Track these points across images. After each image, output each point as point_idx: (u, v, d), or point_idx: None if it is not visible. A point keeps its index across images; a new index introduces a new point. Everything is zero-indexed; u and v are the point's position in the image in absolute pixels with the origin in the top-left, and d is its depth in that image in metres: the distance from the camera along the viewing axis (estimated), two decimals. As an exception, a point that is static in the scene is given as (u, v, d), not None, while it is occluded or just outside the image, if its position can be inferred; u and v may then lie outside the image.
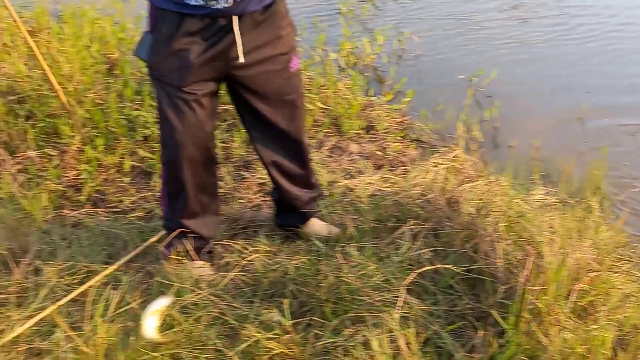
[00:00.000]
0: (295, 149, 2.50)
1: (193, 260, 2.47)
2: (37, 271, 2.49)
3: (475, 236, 2.39)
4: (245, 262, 2.50)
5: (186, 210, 2.43)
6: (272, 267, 2.42)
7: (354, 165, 3.51)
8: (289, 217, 2.77)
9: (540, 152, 3.67)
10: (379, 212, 2.81)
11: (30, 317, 2.17)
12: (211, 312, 2.20)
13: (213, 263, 2.58)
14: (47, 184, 3.08)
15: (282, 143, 2.46)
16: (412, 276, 2.18)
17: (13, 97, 3.67)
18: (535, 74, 4.69)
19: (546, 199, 2.83)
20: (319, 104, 3.93)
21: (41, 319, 2.16)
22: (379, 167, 3.56)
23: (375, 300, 2.12)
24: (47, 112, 3.58)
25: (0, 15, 4.84)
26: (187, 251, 2.46)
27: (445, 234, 2.51)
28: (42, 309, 2.20)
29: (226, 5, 2.04)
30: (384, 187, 3.16)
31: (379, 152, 3.68)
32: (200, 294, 2.26)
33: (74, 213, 2.97)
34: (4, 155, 3.26)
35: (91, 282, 2.31)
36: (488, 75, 4.40)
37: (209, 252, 2.58)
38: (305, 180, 2.64)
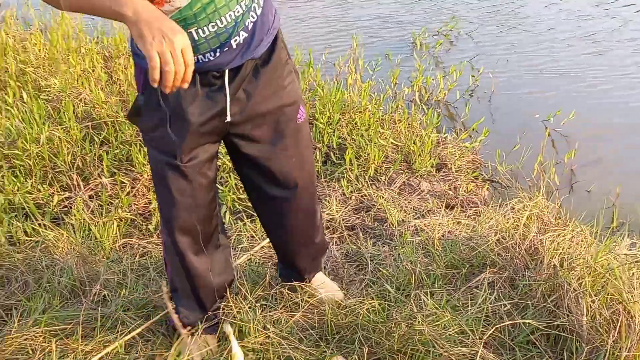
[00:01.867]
0: (301, 208, 2.28)
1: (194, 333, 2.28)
2: (104, 301, 2.48)
3: (557, 289, 2.26)
4: (313, 301, 2.44)
5: (187, 282, 2.23)
6: (342, 311, 2.34)
7: (425, 204, 3.42)
8: (286, 269, 2.55)
9: (620, 197, 3.51)
10: (451, 257, 2.70)
11: (94, 351, 2.14)
12: (277, 353, 2.14)
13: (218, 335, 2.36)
14: (117, 212, 3.09)
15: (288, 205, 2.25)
16: (490, 331, 2.06)
17: (89, 123, 3.72)
18: (615, 115, 4.52)
19: (632, 250, 2.67)
20: (391, 140, 3.86)
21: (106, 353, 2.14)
22: (450, 207, 3.46)
23: (451, 354, 2.01)
24: (122, 139, 3.62)
25: (81, 40, 4.97)
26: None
27: (524, 285, 2.39)
28: (107, 343, 2.18)
29: (212, 58, 1.87)
30: (456, 230, 3.06)
31: (450, 192, 3.58)
32: (267, 334, 2.20)
33: (143, 242, 2.97)
34: (77, 182, 3.29)
35: (156, 318, 2.28)
36: (566, 115, 4.25)
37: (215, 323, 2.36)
38: (311, 239, 2.42)
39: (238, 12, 1.84)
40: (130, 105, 2.03)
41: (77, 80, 4.19)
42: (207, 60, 1.87)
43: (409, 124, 4.07)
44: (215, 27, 1.82)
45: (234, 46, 1.87)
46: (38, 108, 3.65)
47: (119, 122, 3.71)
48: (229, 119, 1.96)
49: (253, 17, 1.90)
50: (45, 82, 4.15)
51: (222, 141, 2.09)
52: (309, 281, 2.52)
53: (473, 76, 4.91)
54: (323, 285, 2.55)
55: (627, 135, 4.26)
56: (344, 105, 4.16)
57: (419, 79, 4.76)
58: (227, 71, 1.90)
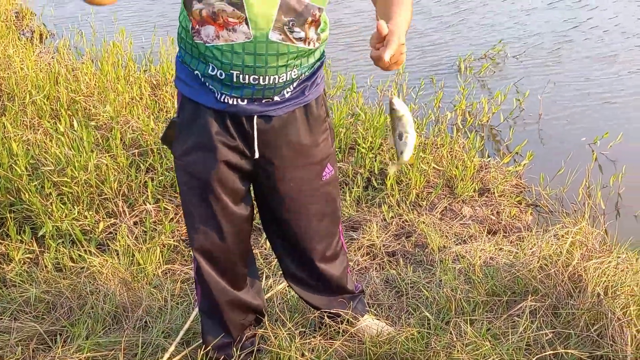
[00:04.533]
0: (323, 269, 2.30)
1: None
2: (145, 327, 2.52)
3: (601, 319, 2.21)
4: (353, 330, 2.43)
5: (213, 306, 2.26)
6: (380, 339, 2.33)
7: (467, 229, 3.39)
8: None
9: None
10: (493, 284, 2.67)
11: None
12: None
13: None
14: (161, 238, 3.15)
15: (308, 260, 2.27)
16: (530, 361, 2.03)
17: (136, 150, 3.81)
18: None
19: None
20: (433, 165, 3.84)
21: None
22: (493, 233, 3.42)
23: (489, 385, 1.99)
24: (167, 166, 3.69)
25: (130, 68, 5.11)
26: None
27: (567, 313, 2.35)
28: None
29: (242, 104, 1.92)
30: (497, 256, 3.02)
31: (492, 217, 3.54)
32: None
33: (185, 268, 3.01)
34: (123, 208, 3.36)
35: (194, 346, 2.30)
36: (613, 139, 4.17)
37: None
38: (338, 289, 2.41)
39: (283, 79, 1.91)
40: (165, 128, 2.08)
41: (125, 108, 4.30)
42: (237, 102, 1.93)
43: (451, 148, 4.05)
44: (256, 81, 1.88)
45: (271, 100, 1.94)
46: (87, 136, 3.76)
47: (164, 150, 3.79)
48: (256, 155, 2.00)
49: (299, 81, 1.97)
50: (95, 110, 4.27)
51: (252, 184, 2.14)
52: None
53: (518, 99, 4.86)
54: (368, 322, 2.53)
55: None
56: (386, 130, 4.16)
57: (462, 103, 4.73)
58: (255, 117, 1.95)
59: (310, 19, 1.86)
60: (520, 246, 3.04)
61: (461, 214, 3.56)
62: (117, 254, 3.02)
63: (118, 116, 4.13)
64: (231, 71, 1.87)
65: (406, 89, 5.00)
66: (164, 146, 2.21)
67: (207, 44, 1.85)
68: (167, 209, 3.40)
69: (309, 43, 1.90)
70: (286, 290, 2.79)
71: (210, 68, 1.90)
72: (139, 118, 4.11)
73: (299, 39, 1.87)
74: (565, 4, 7.14)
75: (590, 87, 5.25)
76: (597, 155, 4.13)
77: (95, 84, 4.72)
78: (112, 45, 5.41)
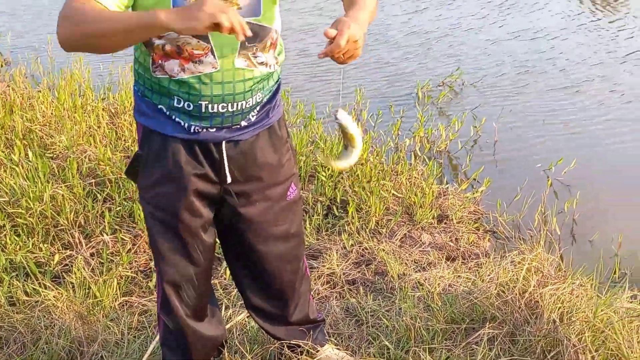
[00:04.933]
0: (285, 288, 2.28)
1: None
2: (102, 362, 2.47)
3: (557, 345, 2.25)
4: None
5: (177, 339, 2.23)
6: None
7: (426, 256, 3.41)
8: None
9: (622, 247, 3.49)
10: (451, 311, 2.69)
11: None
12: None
13: None
14: (118, 270, 3.10)
15: (270, 282, 2.25)
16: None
17: (93, 180, 3.76)
18: (617, 163, 4.53)
19: (632, 302, 2.65)
20: (392, 192, 3.87)
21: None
22: (452, 259, 3.45)
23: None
24: (125, 196, 3.65)
25: (88, 97, 5.06)
26: None
27: (525, 340, 2.37)
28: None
29: (212, 131, 1.92)
30: (456, 283, 3.05)
31: (451, 243, 3.57)
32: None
33: (142, 300, 2.97)
34: (79, 239, 3.31)
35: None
36: (567, 165, 4.26)
37: None
38: (300, 319, 2.39)
39: (250, 103, 1.93)
40: (129, 162, 2.06)
41: (82, 138, 4.25)
42: (205, 131, 1.92)
43: (410, 175, 4.09)
44: (225, 109, 1.89)
45: (239, 125, 1.95)
46: (43, 166, 3.70)
47: (122, 179, 3.75)
48: (229, 180, 2.00)
49: (263, 104, 1.98)
50: (52, 140, 4.22)
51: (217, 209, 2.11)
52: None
53: (475, 127, 4.94)
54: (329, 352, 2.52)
55: (628, 183, 4.27)
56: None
57: (420, 130, 4.79)
58: (224, 142, 1.95)
59: (269, 42, 1.90)
60: (478, 273, 3.07)
61: (420, 240, 3.59)
62: (73, 287, 2.96)
63: (74, 145, 4.08)
64: (200, 102, 1.87)
65: (366, 117, 5.04)
66: (127, 178, 2.18)
67: (172, 78, 1.85)
68: (125, 240, 3.35)
69: (269, 66, 1.93)
70: (245, 321, 2.76)
71: (176, 101, 1.89)
72: (96, 147, 4.07)
73: (261, 63, 1.90)
74: (528, 35, 7.31)
75: (545, 115, 5.36)
76: (552, 181, 4.21)
77: (52, 113, 4.66)
78: (69, 74, 5.36)
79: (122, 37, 1.66)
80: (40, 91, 5.15)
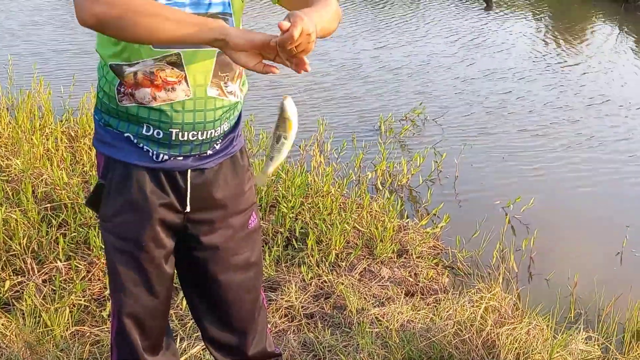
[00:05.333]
0: (245, 319, 2.21)
1: None
2: (50, 395, 2.39)
3: (512, 386, 2.24)
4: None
5: None
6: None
7: (385, 291, 3.40)
8: None
9: (578, 287, 3.53)
10: (409, 349, 2.68)
11: None
12: None
13: None
14: (70, 298, 3.02)
15: (229, 313, 2.18)
16: None
17: (48, 205, 3.68)
18: (575, 204, 4.62)
19: (587, 344, 2.68)
20: (353, 225, 3.87)
21: None
22: (411, 294, 3.46)
23: None
24: (81, 222, 3.57)
25: (47, 119, 4.97)
26: None
27: (480, 380, 2.37)
28: None
29: (180, 159, 1.90)
30: (414, 319, 3.04)
31: (410, 278, 3.58)
32: None
33: (95, 330, 2.89)
34: (32, 265, 3.22)
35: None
36: (526, 203, 4.32)
37: None
38: (257, 352, 2.29)
39: (218, 132, 1.91)
40: (90, 191, 2.01)
41: (39, 161, 4.16)
42: (173, 160, 1.90)
43: (371, 209, 4.10)
44: (195, 137, 1.87)
45: (205, 154, 1.93)
46: (-4, 189, 3.61)
47: (79, 204, 3.68)
48: (188, 209, 1.97)
49: (229, 132, 1.97)
50: (7, 162, 4.12)
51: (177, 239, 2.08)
52: None
53: (436, 162, 4.99)
54: None
55: (586, 224, 4.35)
56: (307, 188, 4.18)
57: (382, 164, 4.82)
58: (189, 171, 1.93)
59: (237, 71, 1.90)
60: (437, 309, 3.07)
61: (380, 275, 3.58)
62: (23, 315, 2.87)
63: (30, 168, 3.99)
64: (170, 129, 1.85)
65: (329, 148, 5.05)
66: (88, 208, 2.13)
67: (142, 106, 1.82)
68: (79, 267, 3.27)
69: (237, 96, 1.94)
70: (201, 354, 2.71)
71: (145, 128, 1.86)
72: (53, 171, 3.98)
73: (230, 93, 1.90)
74: (495, 75, 7.45)
75: (507, 153, 5.45)
76: (511, 219, 4.27)
77: (8, 134, 4.56)
78: (28, 95, 5.27)
79: (171, 38, 1.66)
80: (-3, 111, 5.05)
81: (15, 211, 3.49)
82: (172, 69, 1.79)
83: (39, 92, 5.46)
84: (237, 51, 1.65)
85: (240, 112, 2.06)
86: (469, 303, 2.88)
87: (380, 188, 4.59)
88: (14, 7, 9.63)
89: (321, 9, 1.82)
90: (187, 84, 1.81)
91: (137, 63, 1.78)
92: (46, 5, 10.01)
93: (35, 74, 5.84)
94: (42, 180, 3.90)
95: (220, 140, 1.96)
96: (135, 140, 1.89)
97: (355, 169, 4.80)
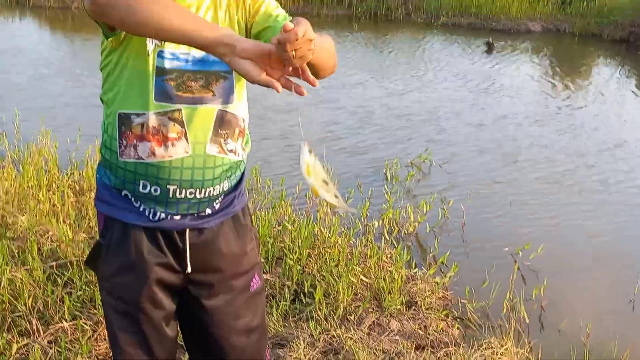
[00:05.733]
0: None
1: None
2: None
3: None
4: None
5: None
6: None
7: (395, 345, 3.35)
8: None
9: (591, 337, 3.47)
10: (421, 408, 2.62)
11: None
12: None
13: None
14: (77, 359, 2.98)
15: None
16: None
17: (54, 263, 3.66)
18: (585, 251, 4.57)
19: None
20: (361, 277, 3.84)
21: None
22: (421, 348, 3.39)
23: None
24: (87, 280, 3.55)
25: (53, 174, 4.99)
26: None
27: None
28: None
29: (177, 219, 1.88)
30: (426, 375, 2.99)
31: (420, 331, 3.52)
32: None
33: (101, 393, 2.85)
34: (37, 326, 3.19)
35: None
36: (534, 249, 4.27)
37: None
38: None
39: (217, 191, 1.90)
40: (90, 251, 2.00)
41: (46, 217, 4.16)
42: (170, 219, 1.88)
43: (378, 259, 4.06)
44: (193, 195, 1.86)
45: (204, 213, 1.91)
46: (2, 248, 3.60)
47: (84, 261, 3.65)
48: (189, 269, 1.95)
49: (229, 191, 1.96)
50: (13, 219, 4.12)
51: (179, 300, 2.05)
52: None
53: (443, 209, 4.97)
54: None
55: (596, 269, 4.30)
56: (314, 239, 4.16)
57: (389, 212, 4.80)
58: (188, 230, 1.91)
59: (238, 130, 1.89)
60: (448, 364, 3.02)
61: (389, 328, 3.53)
62: (28, 379, 2.83)
63: (36, 226, 3.99)
64: (168, 186, 1.84)
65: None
66: (87, 267, 2.11)
67: (139, 161, 1.82)
68: (85, 327, 3.24)
69: (238, 154, 1.92)
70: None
71: (142, 186, 1.85)
72: (59, 227, 3.98)
73: (231, 151, 1.89)
74: (508, 121, 7.44)
75: (513, 195, 5.42)
76: (520, 266, 4.22)
77: (15, 190, 4.57)
78: (35, 149, 5.30)
79: (177, 31, 1.59)
80: (4, 167, 5.07)
81: (20, 270, 3.48)
82: (174, 124, 1.79)
83: (45, 145, 5.50)
84: (243, 58, 1.57)
85: (243, 171, 2.06)
86: (480, 357, 2.82)
87: (387, 237, 4.56)
88: (24, 62, 9.77)
89: (321, 37, 1.79)
90: (187, 140, 1.81)
91: (139, 114, 1.78)
92: (53, 58, 10.15)
93: (42, 127, 5.89)
94: (47, 237, 3.89)
95: (220, 199, 1.95)
96: (132, 199, 1.89)
97: (362, 218, 4.78)
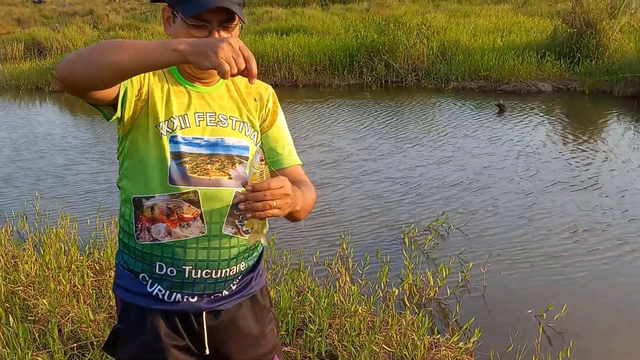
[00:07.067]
0: None
1: None
2: None
3: None
4: None
5: None
6: None
7: (421, 416, 3.27)
8: None
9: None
10: None
11: None
12: None
13: None
14: None
15: None
16: None
17: (75, 345, 3.66)
18: (610, 309, 4.48)
19: None
20: (383, 346, 3.78)
21: None
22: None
23: None
24: (106, 360, 3.54)
25: (73, 255, 5.02)
26: None
27: None
28: None
29: (192, 300, 1.89)
30: None
31: (447, 400, 3.44)
32: None
33: None
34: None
35: None
36: (558, 310, 4.20)
37: None
38: None
39: (233, 271, 1.92)
40: (108, 336, 2.00)
41: (66, 298, 4.18)
42: (185, 301, 1.90)
43: (400, 326, 4.01)
44: (209, 275, 1.87)
45: (220, 295, 1.92)
46: (23, 332, 3.61)
47: (104, 341, 3.64)
48: (207, 352, 1.94)
49: (245, 273, 1.97)
50: (34, 302, 4.14)
51: None
52: None
53: (463, 272, 4.92)
54: None
55: (623, 327, 4.20)
56: (334, 309, 4.12)
57: (409, 278, 4.76)
58: (204, 313, 1.92)
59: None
60: None
61: (414, 398, 3.46)
62: None
63: (57, 307, 4.00)
64: (183, 267, 1.85)
65: (352, 264, 5.02)
66: (105, 352, 2.11)
67: (156, 242, 1.84)
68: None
69: None
70: None
71: (158, 267, 1.87)
72: (79, 308, 3.99)
73: (247, 232, 1.89)
74: (526, 181, 7.39)
75: (534, 256, 5.36)
76: (545, 328, 4.14)
77: (35, 273, 4.61)
78: (54, 232, 5.36)
79: (134, 61, 1.60)
80: (25, 250, 5.13)
81: (42, 354, 3.47)
82: (189, 206, 1.82)
83: (65, 227, 5.56)
84: (195, 53, 1.57)
85: (261, 252, 2.07)
86: None
87: (408, 304, 4.51)
88: (47, 147, 9.97)
89: (307, 192, 1.87)
90: (203, 221, 1.84)
91: (154, 197, 1.81)
92: (76, 143, 10.35)
93: (59, 208, 5.96)
94: (68, 318, 3.90)
95: (237, 281, 1.95)
96: (149, 281, 1.90)
97: (382, 284, 4.74)
